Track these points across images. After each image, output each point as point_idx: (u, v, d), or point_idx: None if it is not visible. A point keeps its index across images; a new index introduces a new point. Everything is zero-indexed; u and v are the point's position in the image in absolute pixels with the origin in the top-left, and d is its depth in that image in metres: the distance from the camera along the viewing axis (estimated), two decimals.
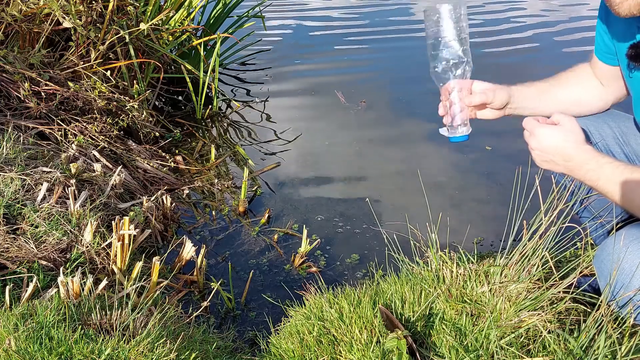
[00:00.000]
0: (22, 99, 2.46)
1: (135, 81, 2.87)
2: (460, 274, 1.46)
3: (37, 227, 1.76)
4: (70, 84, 2.56)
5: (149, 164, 2.58)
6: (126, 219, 1.74)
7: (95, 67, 2.72)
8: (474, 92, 1.44)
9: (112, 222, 1.78)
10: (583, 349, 1.21)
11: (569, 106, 1.53)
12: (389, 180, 2.70)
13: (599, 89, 1.57)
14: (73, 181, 2.04)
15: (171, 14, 3.15)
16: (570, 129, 1.30)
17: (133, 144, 2.69)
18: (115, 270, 1.70)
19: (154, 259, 1.65)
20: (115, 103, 2.68)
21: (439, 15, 1.35)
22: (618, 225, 1.48)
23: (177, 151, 2.88)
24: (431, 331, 1.33)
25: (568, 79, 1.57)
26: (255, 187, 2.62)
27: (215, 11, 3.57)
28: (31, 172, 2.01)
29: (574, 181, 1.47)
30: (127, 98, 2.72)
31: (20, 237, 1.71)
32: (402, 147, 3.01)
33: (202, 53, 3.18)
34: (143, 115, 2.76)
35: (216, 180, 2.61)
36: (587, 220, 1.62)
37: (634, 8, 1.20)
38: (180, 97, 3.51)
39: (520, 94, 1.49)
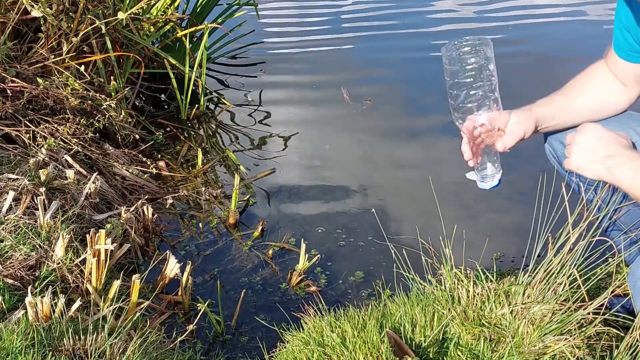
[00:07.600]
0: None
1: (112, 77, 2.88)
2: (478, 294, 1.46)
3: (2, 241, 1.77)
4: (40, 80, 2.57)
5: (128, 171, 2.59)
6: (102, 232, 1.75)
7: (68, 62, 2.73)
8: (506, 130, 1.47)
9: (87, 235, 1.79)
10: None
11: (590, 115, 1.55)
12: (397, 188, 2.71)
13: (618, 88, 1.58)
14: (43, 189, 2.04)
15: (153, 2, 3.16)
16: (621, 134, 1.36)
17: (110, 148, 2.70)
18: (90, 289, 1.70)
19: (134, 277, 1.66)
20: (90, 102, 2.69)
21: (461, 51, 1.37)
22: None
23: (159, 156, 2.89)
24: (445, 358, 1.34)
25: (583, 85, 1.60)
26: (248, 196, 2.63)
27: None
28: None
29: (600, 190, 1.48)
30: (103, 96, 2.73)
31: None
32: (411, 151, 3.01)
33: (187, 46, 3.19)
34: (121, 116, 2.77)
35: (203, 189, 2.62)
36: (617, 237, 1.62)
37: None
38: (163, 95, 3.52)
39: (542, 115, 1.53)
